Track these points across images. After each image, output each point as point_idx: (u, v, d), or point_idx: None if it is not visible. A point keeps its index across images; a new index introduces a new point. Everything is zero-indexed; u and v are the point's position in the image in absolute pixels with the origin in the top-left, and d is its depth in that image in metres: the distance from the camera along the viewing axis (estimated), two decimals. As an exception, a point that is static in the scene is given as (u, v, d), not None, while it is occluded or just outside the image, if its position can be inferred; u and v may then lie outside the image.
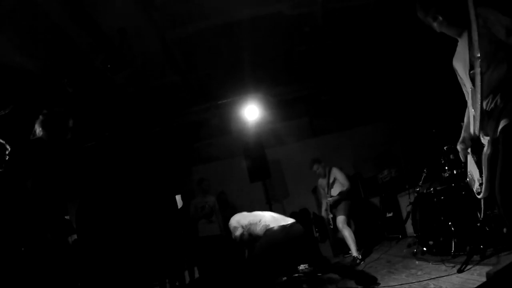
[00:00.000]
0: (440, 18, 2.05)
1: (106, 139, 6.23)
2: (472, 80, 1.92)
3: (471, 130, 2.05)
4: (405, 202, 5.28)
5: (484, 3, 1.89)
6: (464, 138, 2.21)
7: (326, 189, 5.49)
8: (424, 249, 3.90)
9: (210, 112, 7.01)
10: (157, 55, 5.22)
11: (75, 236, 4.73)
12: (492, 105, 1.91)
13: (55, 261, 2.33)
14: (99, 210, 5.23)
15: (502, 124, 1.84)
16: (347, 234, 5.03)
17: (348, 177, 5.67)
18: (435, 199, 3.84)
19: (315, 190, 7.18)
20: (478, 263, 2.87)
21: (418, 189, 4.29)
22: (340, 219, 5.12)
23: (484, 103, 1.92)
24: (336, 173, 5.43)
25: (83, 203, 5.13)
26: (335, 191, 5.36)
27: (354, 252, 4.97)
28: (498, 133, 1.87)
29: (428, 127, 4.68)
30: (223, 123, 7.36)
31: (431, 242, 3.80)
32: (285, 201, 7.91)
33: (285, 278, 5.33)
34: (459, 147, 2.23)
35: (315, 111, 8.19)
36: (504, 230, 3.14)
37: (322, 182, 5.64)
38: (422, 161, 4.64)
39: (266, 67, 6.05)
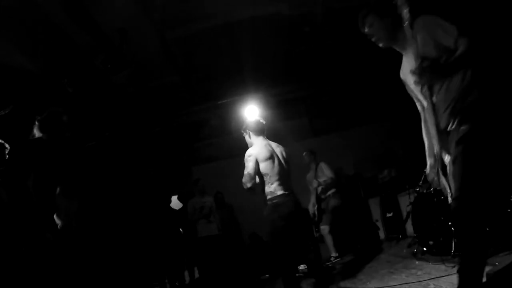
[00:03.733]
0: (376, 33, 2.01)
1: (106, 139, 6.23)
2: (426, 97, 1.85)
3: (435, 149, 1.94)
4: (405, 202, 5.28)
5: (426, 10, 1.84)
6: (431, 164, 2.15)
7: (312, 182, 5.68)
8: (424, 249, 3.90)
9: (210, 112, 7.00)
10: (157, 55, 5.22)
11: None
12: (451, 122, 1.80)
13: (55, 261, 2.33)
14: (99, 210, 5.23)
15: (461, 133, 1.74)
16: (328, 241, 5.48)
17: (337, 173, 5.91)
18: (435, 199, 3.84)
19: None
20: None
21: (418, 189, 4.29)
22: (324, 229, 5.48)
23: (443, 119, 1.82)
24: (323, 167, 5.65)
25: (83, 203, 5.12)
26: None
27: (332, 252, 5.43)
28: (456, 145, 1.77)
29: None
30: (223, 123, 7.35)
31: (431, 242, 3.80)
32: (285, 201, 7.89)
33: (285, 278, 5.34)
34: (429, 176, 2.19)
35: (315, 111, 8.18)
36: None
37: (309, 176, 5.80)
38: (422, 161, 4.63)
39: (266, 67, 6.04)
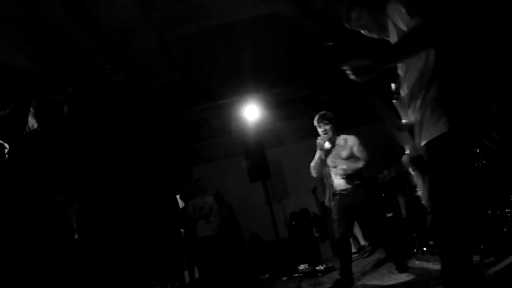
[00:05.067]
0: (362, 22, 1.97)
1: (106, 139, 6.23)
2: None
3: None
4: (405, 202, 5.28)
5: None
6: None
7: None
8: (424, 249, 3.90)
9: (210, 112, 7.00)
10: (157, 55, 5.21)
11: (75, 236, 4.73)
12: (413, 115, 1.76)
13: (55, 261, 2.33)
14: (99, 210, 5.23)
15: (423, 141, 1.69)
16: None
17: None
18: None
19: (315, 190, 7.17)
20: (478, 263, 2.87)
21: (418, 189, 4.29)
22: None
23: (409, 111, 1.79)
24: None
25: (83, 203, 5.13)
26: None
27: (361, 241, 5.29)
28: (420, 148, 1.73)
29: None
30: (223, 123, 7.35)
31: (431, 242, 3.80)
32: (285, 201, 7.90)
33: (285, 278, 5.33)
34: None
35: (315, 111, 8.17)
36: (504, 230, 3.14)
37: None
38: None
39: (266, 67, 6.04)
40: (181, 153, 8.22)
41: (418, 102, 1.69)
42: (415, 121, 1.72)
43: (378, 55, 1.60)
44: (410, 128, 1.81)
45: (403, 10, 1.66)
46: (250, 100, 6.48)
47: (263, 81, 6.30)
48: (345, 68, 1.63)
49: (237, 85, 6.30)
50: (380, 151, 7.50)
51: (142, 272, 5.79)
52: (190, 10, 4.47)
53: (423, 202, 1.87)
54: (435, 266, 3.28)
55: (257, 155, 6.29)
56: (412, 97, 1.73)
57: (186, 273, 6.09)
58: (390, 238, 3.82)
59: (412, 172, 1.91)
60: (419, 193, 2.03)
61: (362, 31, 2.00)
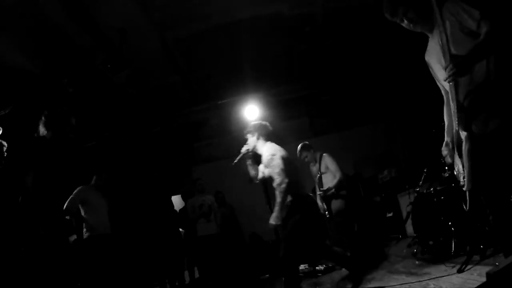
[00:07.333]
0: (410, 16, 2.04)
1: (106, 139, 6.23)
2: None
3: (453, 125, 2.01)
4: (405, 202, 5.27)
5: None
6: (447, 142, 2.18)
7: (316, 178, 5.17)
8: (424, 249, 3.90)
9: (210, 112, 7.00)
10: (157, 55, 5.22)
11: (75, 236, 4.73)
12: (473, 101, 1.89)
13: (54, 260, 2.33)
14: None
15: (492, 125, 1.83)
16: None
17: (343, 173, 5.45)
18: (435, 199, 3.84)
19: (315, 190, 7.16)
20: (478, 263, 2.87)
21: (418, 189, 4.29)
22: None
23: (463, 98, 1.91)
24: (327, 161, 5.08)
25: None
26: (326, 181, 5.05)
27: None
28: (484, 129, 1.87)
29: (428, 127, 4.68)
30: (223, 123, 7.35)
31: (431, 242, 3.80)
32: (285, 201, 7.89)
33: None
34: (443, 151, 2.19)
35: (315, 111, 8.19)
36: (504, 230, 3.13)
37: (313, 169, 5.34)
38: (422, 161, 4.64)
39: (266, 67, 6.05)
40: (181, 153, 8.22)
41: (484, 96, 1.83)
42: (473, 106, 1.86)
43: (469, 55, 1.80)
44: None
45: (471, 8, 1.84)
46: (250, 100, 6.48)
47: (263, 81, 6.30)
48: (450, 66, 1.82)
49: (237, 85, 6.30)
50: (379, 150, 7.53)
51: (142, 272, 5.80)
52: (190, 10, 4.48)
53: (461, 181, 2.01)
54: (435, 266, 3.28)
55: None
56: (474, 88, 1.86)
57: (186, 273, 6.08)
58: None
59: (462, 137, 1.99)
60: (456, 172, 2.09)
61: (404, 25, 2.12)
